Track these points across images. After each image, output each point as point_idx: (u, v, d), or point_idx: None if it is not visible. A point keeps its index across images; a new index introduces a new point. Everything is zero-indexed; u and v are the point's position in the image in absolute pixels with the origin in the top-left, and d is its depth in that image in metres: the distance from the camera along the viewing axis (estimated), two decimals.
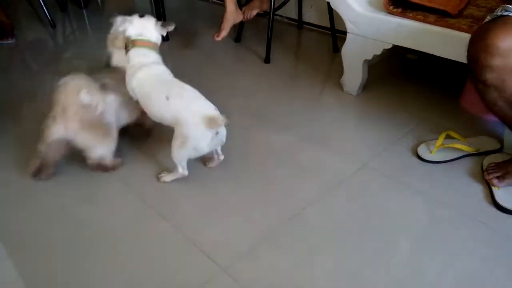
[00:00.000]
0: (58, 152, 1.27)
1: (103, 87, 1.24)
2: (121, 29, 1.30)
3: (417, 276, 0.99)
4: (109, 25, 1.35)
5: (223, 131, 1.21)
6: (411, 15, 1.43)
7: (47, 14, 2.46)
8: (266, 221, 1.15)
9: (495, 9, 1.50)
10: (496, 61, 1.00)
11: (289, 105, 1.70)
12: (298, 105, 1.69)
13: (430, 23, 1.38)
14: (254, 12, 2.08)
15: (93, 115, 1.19)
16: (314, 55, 2.17)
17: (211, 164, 1.33)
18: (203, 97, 1.21)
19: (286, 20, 2.56)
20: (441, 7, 1.41)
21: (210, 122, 1.14)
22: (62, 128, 1.20)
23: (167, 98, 1.19)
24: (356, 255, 1.05)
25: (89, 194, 1.27)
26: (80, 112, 1.18)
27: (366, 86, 1.74)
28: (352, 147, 1.44)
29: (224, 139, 1.23)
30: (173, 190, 1.26)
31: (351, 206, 1.20)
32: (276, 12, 2.38)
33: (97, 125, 1.23)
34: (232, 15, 1.97)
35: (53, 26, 2.49)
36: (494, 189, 1.20)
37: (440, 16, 1.41)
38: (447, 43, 1.35)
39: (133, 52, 1.28)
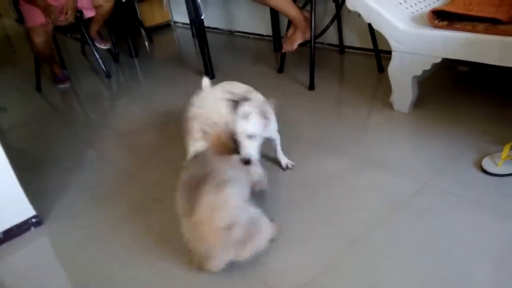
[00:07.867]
0: None
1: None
2: None
3: None
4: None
5: None
6: (458, 26, 1.39)
7: (102, 66, 2.65)
8: (327, 248, 1.12)
9: None
10: None
11: (339, 129, 1.68)
12: (348, 128, 1.67)
13: (480, 32, 1.33)
14: (296, 44, 2.10)
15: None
16: (359, 78, 2.15)
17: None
18: None
19: (328, 47, 2.58)
20: (491, 15, 1.36)
21: None
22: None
23: None
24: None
25: None
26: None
27: (417, 103, 1.69)
28: (409, 166, 1.39)
29: None
30: None
31: (416, 229, 1.13)
32: (317, 40, 2.41)
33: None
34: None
35: (109, 76, 2.67)
36: None
37: (490, 24, 1.35)
38: (501, 50, 1.29)
39: None
